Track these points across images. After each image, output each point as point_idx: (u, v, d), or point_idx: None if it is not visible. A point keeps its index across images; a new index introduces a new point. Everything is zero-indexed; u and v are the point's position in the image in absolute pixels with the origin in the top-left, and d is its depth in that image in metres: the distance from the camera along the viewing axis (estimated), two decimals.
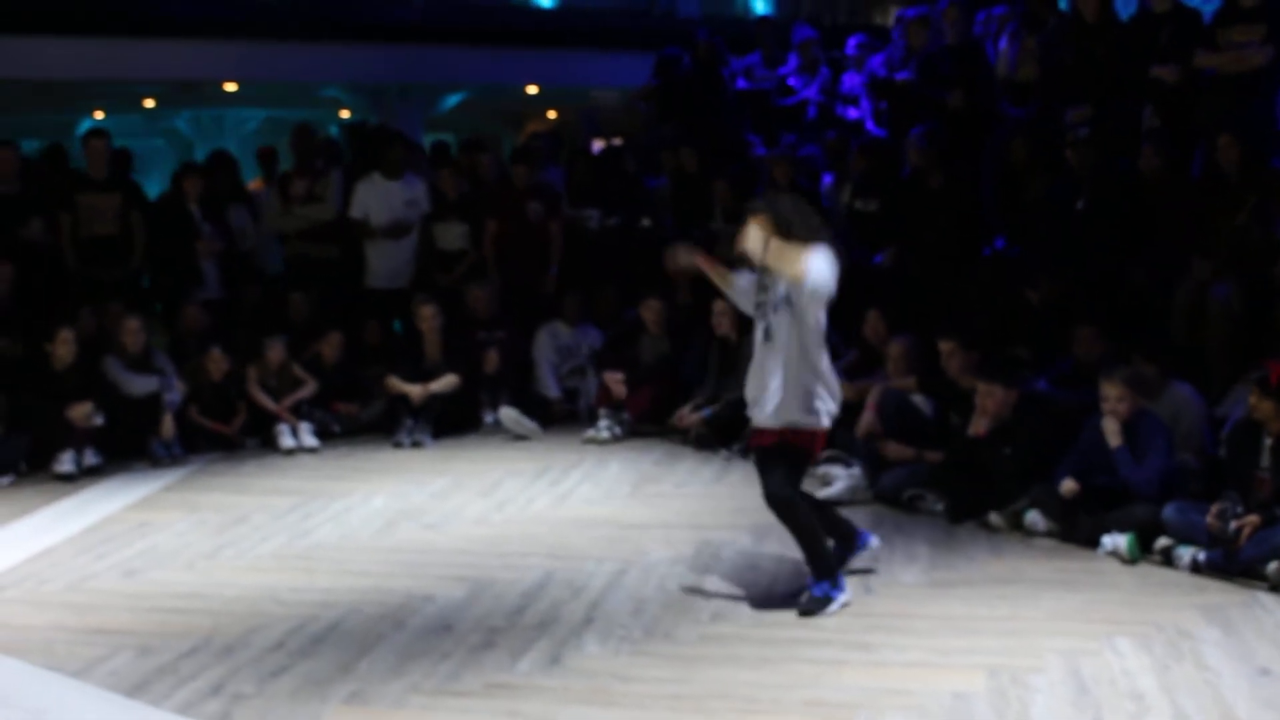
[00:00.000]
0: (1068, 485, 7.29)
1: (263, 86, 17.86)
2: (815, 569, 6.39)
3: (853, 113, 12.70)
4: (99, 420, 9.45)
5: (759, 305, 6.44)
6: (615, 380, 10.44)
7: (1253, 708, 5.12)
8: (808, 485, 8.57)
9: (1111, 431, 7.31)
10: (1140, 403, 7.39)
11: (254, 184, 13.10)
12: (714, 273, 6.72)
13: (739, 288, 6.63)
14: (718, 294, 9.25)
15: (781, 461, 6.37)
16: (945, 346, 8.43)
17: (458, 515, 8.23)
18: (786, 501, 6.35)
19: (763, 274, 6.41)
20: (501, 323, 11.16)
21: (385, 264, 11.41)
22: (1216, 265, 8.69)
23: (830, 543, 6.58)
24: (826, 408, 6.35)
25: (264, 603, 6.55)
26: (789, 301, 6.27)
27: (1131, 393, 7.33)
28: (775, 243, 6.22)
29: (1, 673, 5.71)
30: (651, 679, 5.52)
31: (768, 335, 6.37)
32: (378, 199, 11.36)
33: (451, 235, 11.57)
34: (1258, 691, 5.28)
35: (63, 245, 10.65)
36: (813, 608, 6.28)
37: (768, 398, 6.33)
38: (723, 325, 10.05)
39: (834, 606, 6.30)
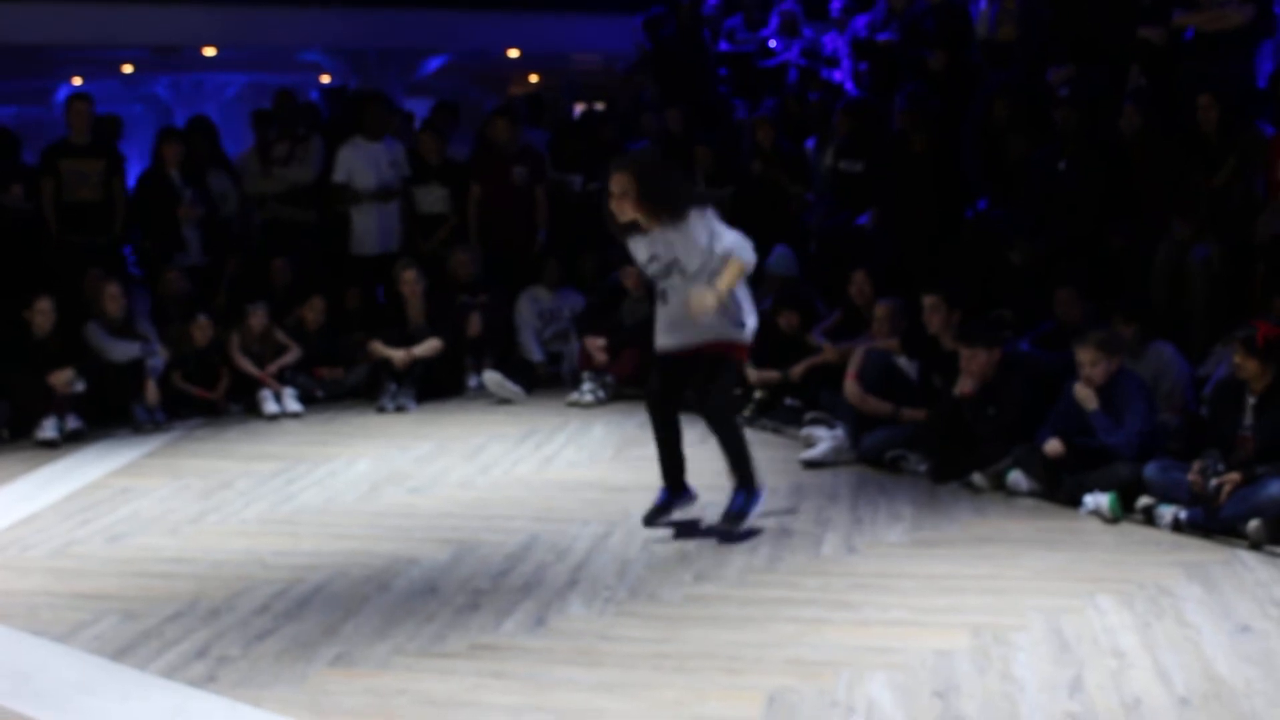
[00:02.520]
0: (1052, 446, 7.32)
1: (242, 51, 17.76)
2: (739, 477, 6.88)
3: (835, 74, 12.69)
4: (80, 387, 9.42)
5: (654, 275, 6.75)
6: (597, 346, 10.45)
7: (1233, 663, 5.15)
8: (794, 448, 8.67)
9: (1085, 396, 7.34)
10: (1118, 363, 7.40)
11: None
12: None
13: (640, 264, 6.91)
14: None
15: (722, 373, 6.80)
16: (928, 301, 8.43)
17: (442, 479, 8.23)
18: (727, 412, 6.91)
19: (640, 247, 6.73)
20: (484, 287, 11.14)
21: (371, 230, 11.36)
22: (1197, 225, 8.72)
23: (664, 489, 7.03)
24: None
25: (249, 566, 6.55)
26: (674, 269, 6.63)
27: (1105, 356, 7.34)
28: (703, 291, 6.44)
29: None
30: (636, 639, 5.54)
31: (670, 295, 6.70)
32: (361, 162, 11.30)
33: (431, 199, 11.53)
34: (1238, 648, 5.32)
35: (45, 211, 10.59)
36: (733, 526, 6.78)
37: (702, 327, 6.64)
38: None
39: (753, 515, 6.82)
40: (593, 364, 10.45)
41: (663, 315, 6.82)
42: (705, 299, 6.45)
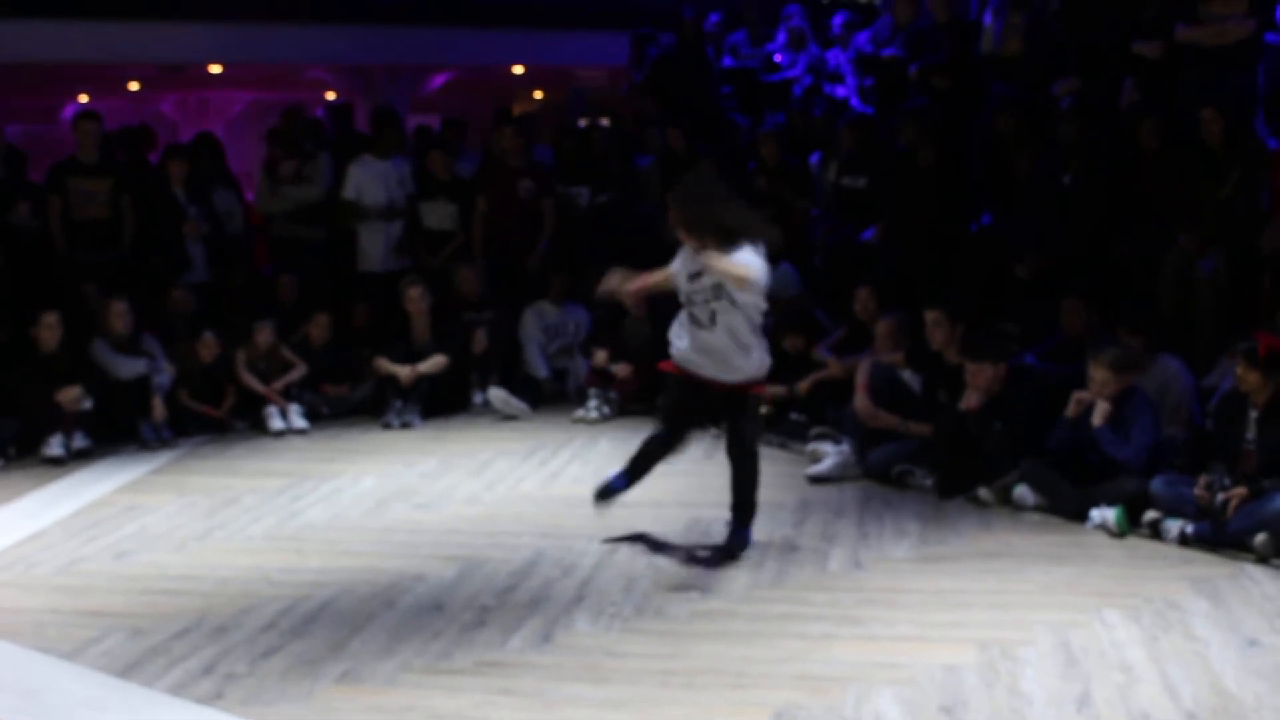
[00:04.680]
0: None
1: (248, 69, 17.80)
2: (743, 516, 6.98)
3: (839, 90, 12.70)
4: (88, 404, 9.44)
5: (689, 293, 6.79)
6: (602, 359, 10.45)
7: (1241, 678, 5.15)
8: (800, 463, 8.66)
9: (1100, 412, 7.33)
10: (1128, 382, 7.40)
11: None
12: (652, 286, 7.03)
13: (673, 275, 6.92)
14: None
15: (753, 411, 6.98)
16: (931, 316, 8.43)
17: (448, 495, 8.23)
18: (756, 451, 7.01)
19: (690, 264, 6.74)
20: (489, 303, 11.15)
21: (378, 247, 11.38)
22: (1202, 238, 8.71)
23: (624, 474, 7.13)
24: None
25: (255, 583, 6.55)
26: (723, 291, 6.64)
27: (1117, 377, 7.34)
28: (707, 254, 6.50)
29: None
30: (642, 655, 5.54)
31: (713, 320, 6.72)
32: (371, 179, 11.34)
33: (438, 215, 11.55)
34: (1246, 662, 5.31)
35: (52, 229, 10.61)
36: (735, 550, 6.89)
37: (733, 367, 6.78)
38: None
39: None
40: (599, 381, 10.45)
41: (705, 341, 6.77)
42: (721, 262, 6.47)
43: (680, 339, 6.88)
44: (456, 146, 12.26)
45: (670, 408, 7.12)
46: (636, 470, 7.14)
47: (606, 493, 7.09)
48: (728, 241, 6.53)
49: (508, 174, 11.57)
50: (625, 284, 7.04)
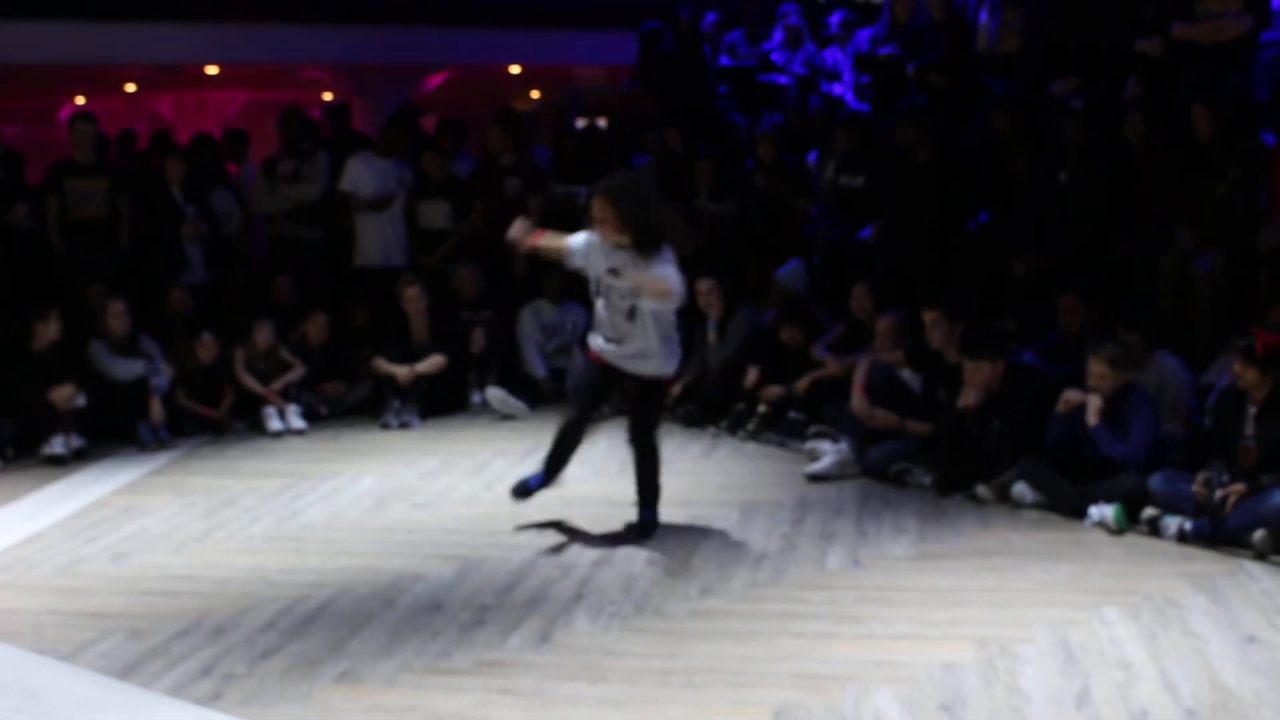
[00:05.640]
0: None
1: (245, 69, 17.78)
2: (648, 499, 7.27)
3: (836, 88, 12.69)
4: (80, 402, 9.42)
5: (607, 286, 7.03)
6: None
7: (1240, 674, 5.15)
8: (798, 461, 8.67)
9: (1093, 410, 7.34)
10: (1126, 379, 7.40)
11: None
12: (548, 250, 7.36)
13: (573, 253, 7.21)
14: (701, 274, 9.45)
15: (655, 402, 7.31)
16: (929, 317, 8.44)
17: (447, 495, 8.24)
18: (655, 440, 7.30)
19: (607, 258, 6.98)
20: (487, 303, 11.15)
21: (374, 241, 11.38)
22: (1200, 235, 8.71)
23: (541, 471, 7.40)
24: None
25: (254, 584, 6.55)
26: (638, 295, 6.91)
27: (1115, 373, 7.34)
28: (637, 274, 6.80)
29: None
30: (641, 654, 5.54)
31: (631, 315, 6.99)
32: (370, 174, 11.34)
33: (434, 214, 11.55)
34: (1245, 658, 5.32)
35: (49, 229, 10.60)
36: (647, 530, 7.20)
37: (646, 361, 7.07)
38: (709, 306, 10.06)
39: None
40: None
41: (623, 332, 7.06)
42: (651, 283, 6.76)
43: (597, 332, 7.15)
44: (454, 146, 12.25)
45: (581, 390, 7.33)
46: (556, 462, 7.38)
47: (523, 490, 7.41)
48: (652, 242, 6.82)
49: (499, 173, 11.58)
50: (526, 234, 7.35)
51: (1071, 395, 7.47)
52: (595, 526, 7.37)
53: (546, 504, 7.81)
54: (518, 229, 7.42)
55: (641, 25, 13.65)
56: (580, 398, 7.32)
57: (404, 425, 10.22)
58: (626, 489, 7.65)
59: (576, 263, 7.22)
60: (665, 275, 6.81)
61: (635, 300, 6.93)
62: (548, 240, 7.33)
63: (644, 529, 7.22)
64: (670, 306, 6.96)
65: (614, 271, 6.97)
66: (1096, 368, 7.36)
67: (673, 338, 7.13)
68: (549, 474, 7.41)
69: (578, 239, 7.19)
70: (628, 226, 6.86)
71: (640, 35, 13.62)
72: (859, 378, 8.63)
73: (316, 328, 10.75)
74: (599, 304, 7.13)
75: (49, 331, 9.51)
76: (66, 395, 9.37)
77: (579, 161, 12.21)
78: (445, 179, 11.64)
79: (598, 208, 6.94)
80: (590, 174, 11.95)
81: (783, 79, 13.05)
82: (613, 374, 7.18)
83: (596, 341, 7.19)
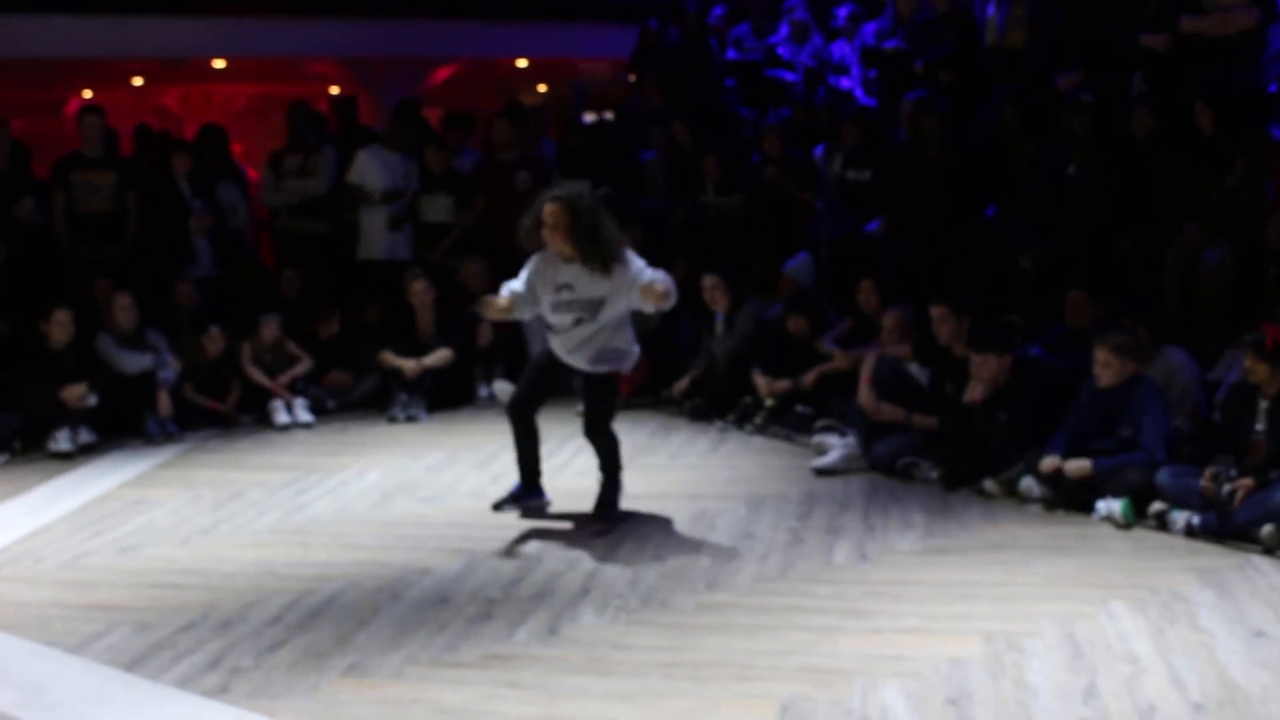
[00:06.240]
0: (1071, 466, 7.27)
1: (252, 63, 17.77)
2: (609, 473, 7.42)
3: (844, 82, 12.68)
4: (93, 401, 9.45)
5: (559, 303, 7.14)
6: None
7: (1248, 669, 5.14)
8: (805, 456, 8.66)
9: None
10: (1132, 368, 7.39)
11: None
12: (503, 315, 7.43)
13: (520, 300, 7.29)
14: (707, 270, 9.49)
15: (608, 394, 7.41)
16: (936, 312, 8.43)
17: (453, 488, 8.24)
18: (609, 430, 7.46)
19: (557, 273, 7.11)
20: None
21: (380, 232, 11.37)
22: (1207, 229, 8.70)
23: (516, 482, 7.53)
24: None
25: (261, 577, 6.56)
26: (604, 302, 7.06)
27: (1119, 359, 7.32)
28: (599, 281, 6.99)
29: None
30: (648, 647, 5.54)
31: (577, 324, 7.14)
32: (379, 167, 11.34)
33: (437, 208, 11.55)
34: (1252, 653, 5.30)
35: (56, 223, 10.61)
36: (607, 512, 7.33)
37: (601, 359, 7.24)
38: (715, 300, 10.05)
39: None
40: None
41: (569, 338, 7.20)
42: (657, 288, 6.87)
43: (551, 334, 7.28)
44: (459, 141, 12.25)
45: (528, 373, 7.61)
46: (524, 459, 7.49)
47: (512, 500, 7.54)
48: (597, 258, 6.92)
49: (503, 167, 11.57)
50: (492, 311, 7.36)
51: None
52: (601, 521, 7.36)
53: (553, 498, 7.81)
54: (489, 308, 7.39)
55: (642, 21, 13.65)
56: (525, 379, 7.53)
57: (411, 419, 10.22)
58: (633, 482, 7.68)
59: (525, 308, 7.32)
60: (662, 278, 6.94)
61: (589, 311, 7.08)
62: (495, 309, 7.32)
63: (602, 513, 7.36)
64: (667, 307, 7.09)
65: (567, 286, 7.10)
66: (1101, 355, 7.35)
67: (626, 333, 7.28)
68: (525, 477, 7.52)
69: (517, 282, 7.30)
70: (575, 239, 6.96)
71: (640, 30, 13.63)
72: (866, 372, 8.62)
73: (329, 323, 10.76)
74: (551, 316, 7.22)
75: (66, 331, 9.51)
76: (79, 394, 9.39)
77: (584, 156, 12.21)
78: (447, 173, 11.64)
79: (550, 213, 7.02)
80: (596, 168, 12.03)
81: (789, 75, 13.05)
82: (564, 367, 7.34)
83: (552, 341, 7.32)
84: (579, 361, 7.25)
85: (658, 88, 13.23)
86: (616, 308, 7.13)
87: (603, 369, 7.28)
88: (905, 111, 10.83)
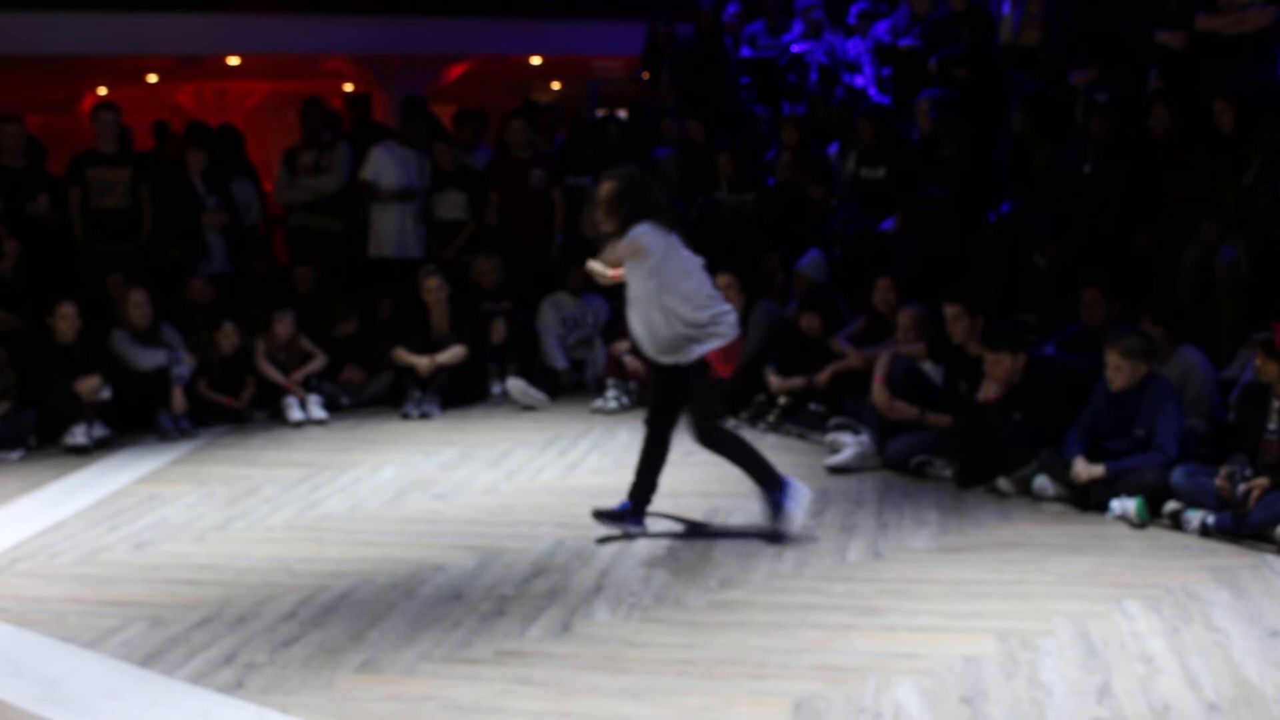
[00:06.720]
0: (1081, 469, 7.26)
1: (266, 60, 17.81)
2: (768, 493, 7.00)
3: (859, 80, 12.67)
4: (107, 394, 9.47)
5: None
6: (623, 350, 10.40)
7: (1262, 668, 5.13)
8: (819, 454, 8.66)
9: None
10: (1145, 370, 7.37)
11: None
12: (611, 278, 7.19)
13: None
14: (721, 268, 9.51)
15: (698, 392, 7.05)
16: (951, 310, 8.42)
17: (467, 485, 8.25)
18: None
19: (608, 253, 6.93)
20: (507, 294, 11.15)
21: (392, 231, 11.38)
22: (1223, 227, 8.68)
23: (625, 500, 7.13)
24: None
25: (275, 573, 6.57)
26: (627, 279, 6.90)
27: (1130, 363, 7.30)
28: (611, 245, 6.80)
29: (15, 644, 5.74)
30: (661, 645, 5.54)
31: (629, 306, 6.94)
32: (393, 164, 11.35)
33: (449, 205, 11.56)
34: (1267, 653, 5.29)
35: (71, 219, 10.64)
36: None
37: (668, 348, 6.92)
38: (729, 299, 10.03)
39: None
40: (618, 371, 10.45)
41: (631, 328, 7.00)
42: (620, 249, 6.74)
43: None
44: (471, 138, 12.25)
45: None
46: (645, 491, 7.17)
47: (612, 519, 7.14)
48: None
49: (517, 165, 11.58)
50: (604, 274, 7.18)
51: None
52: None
53: (566, 494, 7.83)
54: (597, 270, 7.20)
55: (650, 19, 13.66)
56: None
57: (424, 415, 10.23)
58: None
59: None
60: (630, 233, 6.70)
61: (629, 291, 6.88)
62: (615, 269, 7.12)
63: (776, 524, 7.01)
64: (643, 262, 6.73)
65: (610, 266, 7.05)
66: (1112, 359, 7.33)
67: (683, 315, 6.80)
68: (639, 499, 7.18)
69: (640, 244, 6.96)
70: (616, 215, 6.77)
71: (649, 28, 13.63)
72: (880, 370, 8.61)
73: (347, 322, 10.78)
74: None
75: (71, 324, 9.54)
76: (93, 387, 9.41)
77: (596, 152, 12.22)
78: (458, 170, 11.64)
79: (601, 190, 6.88)
80: (604, 165, 12.02)
81: (806, 61, 13.04)
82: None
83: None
84: (654, 355, 6.96)
85: (671, 85, 13.23)
86: (636, 283, 6.83)
87: (672, 361, 6.89)
88: (920, 109, 10.82)
